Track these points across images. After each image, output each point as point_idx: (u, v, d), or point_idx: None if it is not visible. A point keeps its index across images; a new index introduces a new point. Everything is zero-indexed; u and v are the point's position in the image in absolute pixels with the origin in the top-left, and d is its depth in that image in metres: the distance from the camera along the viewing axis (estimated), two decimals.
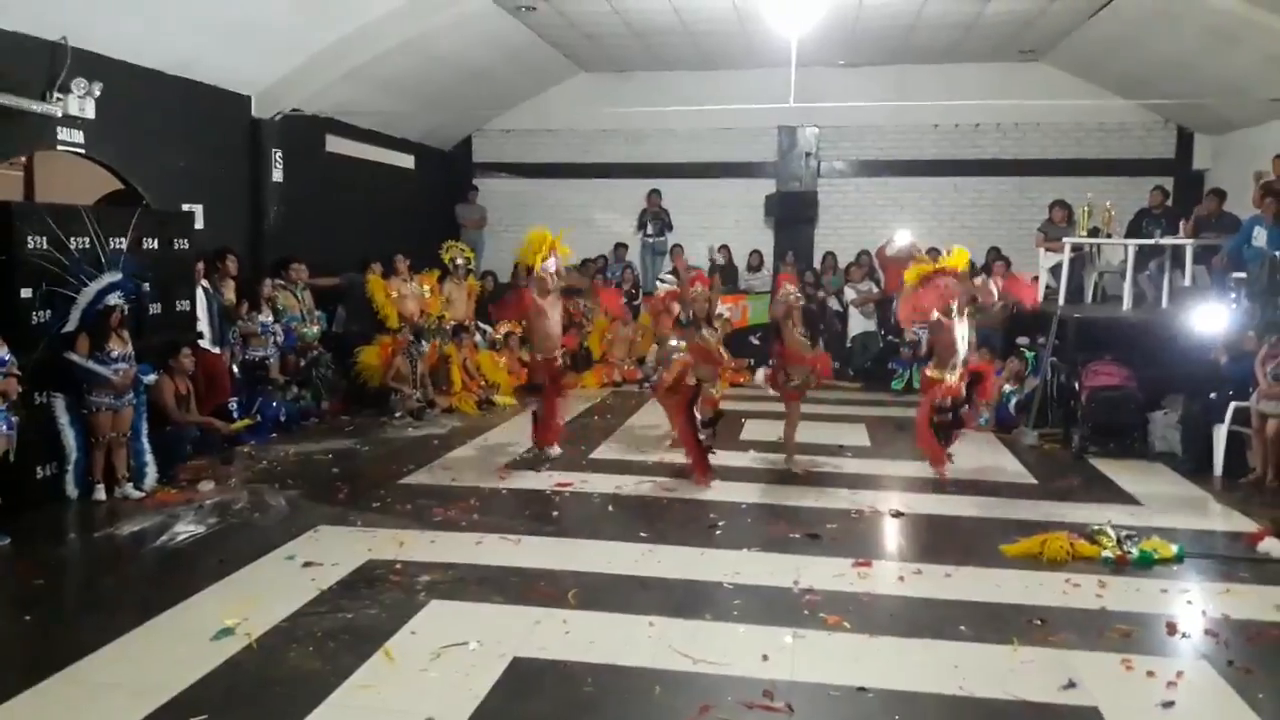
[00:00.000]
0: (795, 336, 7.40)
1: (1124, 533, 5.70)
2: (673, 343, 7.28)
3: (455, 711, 3.62)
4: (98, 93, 7.49)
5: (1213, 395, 7.85)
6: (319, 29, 9.27)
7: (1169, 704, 3.77)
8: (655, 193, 13.88)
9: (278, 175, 10.01)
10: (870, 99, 11.54)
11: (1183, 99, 10.97)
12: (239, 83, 9.49)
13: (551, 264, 7.62)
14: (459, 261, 11.17)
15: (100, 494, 6.49)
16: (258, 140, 9.87)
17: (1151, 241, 9.72)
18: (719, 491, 6.76)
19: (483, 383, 10.38)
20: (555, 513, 6.42)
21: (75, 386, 6.46)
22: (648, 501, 6.47)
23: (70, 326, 6.50)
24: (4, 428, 5.60)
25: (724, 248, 13.29)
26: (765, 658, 4.11)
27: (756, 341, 12.72)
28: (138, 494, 6.58)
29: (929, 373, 7.38)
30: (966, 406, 7.41)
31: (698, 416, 7.21)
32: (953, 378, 7.14)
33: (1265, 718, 3.69)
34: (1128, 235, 10.12)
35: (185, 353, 7.36)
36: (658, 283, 11.12)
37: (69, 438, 6.46)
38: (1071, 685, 3.89)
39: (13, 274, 6.27)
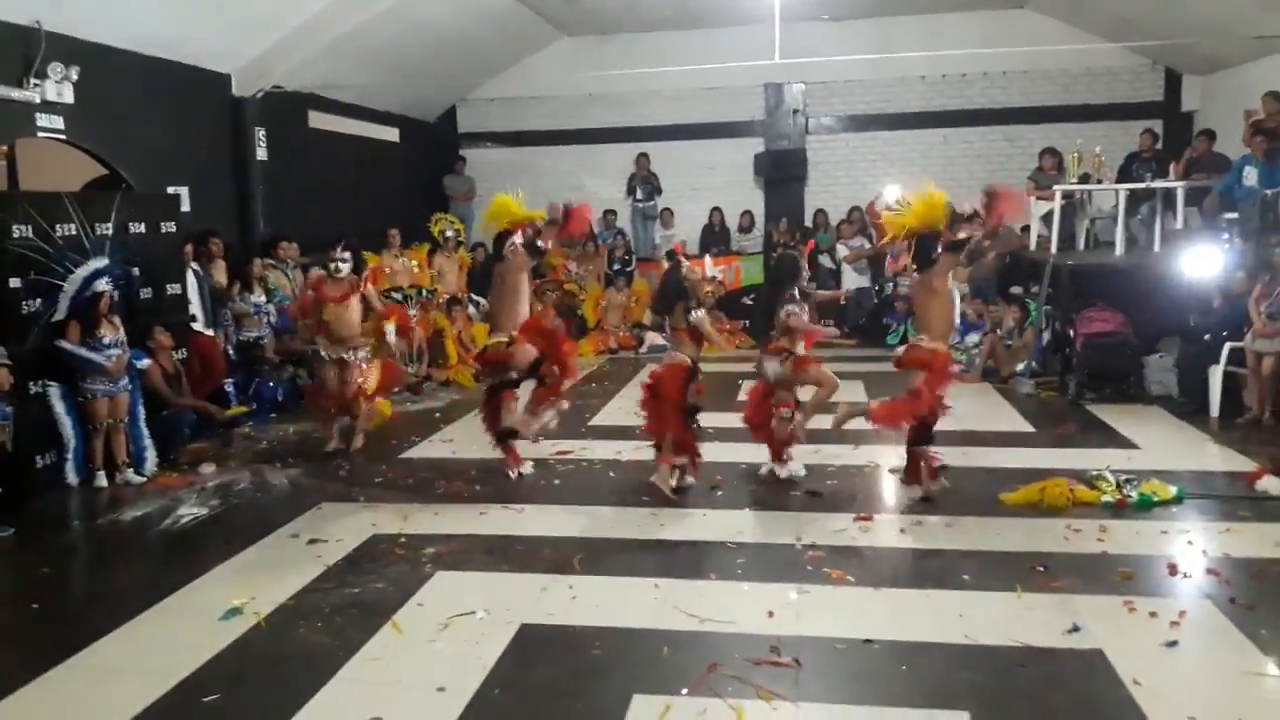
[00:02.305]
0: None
1: (1123, 477, 5.73)
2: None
3: (465, 680, 3.64)
4: (75, 77, 7.40)
5: (1207, 337, 7.87)
6: (295, 2, 9.14)
7: (1173, 643, 3.81)
8: (644, 156, 13.79)
9: (262, 154, 9.92)
10: (856, 52, 11.43)
11: (1169, 40, 10.89)
12: (218, 61, 9.37)
13: (518, 238, 6.77)
14: (449, 234, 11.11)
15: (101, 480, 6.49)
16: (240, 119, 9.77)
17: (1142, 185, 9.69)
18: (718, 453, 6.76)
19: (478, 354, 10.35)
20: (557, 481, 6.44)
21: (69, 374, 6.44)
22: (648, 466, 6.46)
23: (60, 315, 6.47)
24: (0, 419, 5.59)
25: (717, 209, 13.38)
26: (771, 614, 4.14)
27: (750, 302, 12.76)
28: (139, 479, 6.57)
29: (927, 344, 5.61)
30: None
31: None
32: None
33: (1269, 653, 3.73)
34: (1118, 180, 10.08)
35: (160, 329, 7.30)
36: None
37: (66, 425, 6.45)
38: (1075, 629, 3.92)
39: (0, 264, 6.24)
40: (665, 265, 7.64)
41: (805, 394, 6.25)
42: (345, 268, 7.13)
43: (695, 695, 3.50)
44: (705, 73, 11.58)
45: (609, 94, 13.70)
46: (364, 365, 7.20)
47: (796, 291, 6.16)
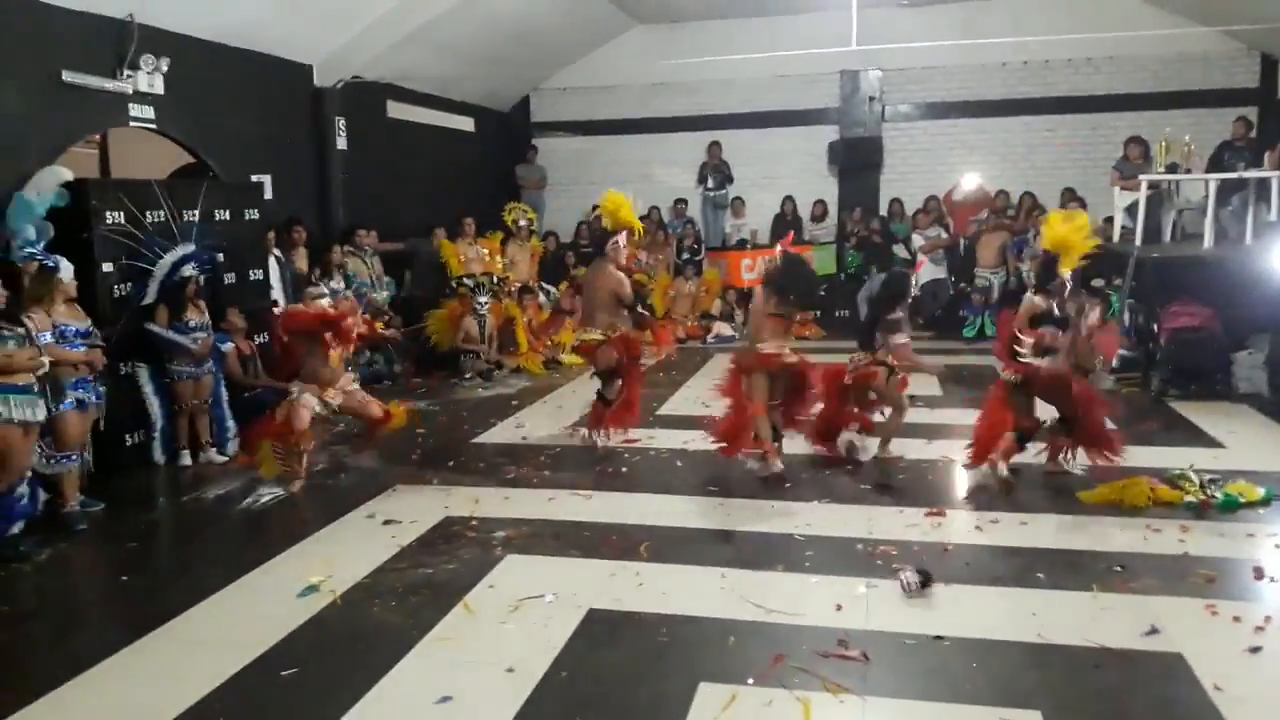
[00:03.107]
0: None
1: (1207, 476, 5.54)
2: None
3: (534, 661, 3.70)
4: (165, 68, 7.65)
5: None
6: None
7: (1256, 649, 3.68)
8: (715, 145, 13.72)
9: (342, 143, 10.13)
10: (935, 38, 11.19)
11: (1265, 24, 10.44)
12: (300, 52, 9.59)
13: (622, 239, 7.10)
14: (521, 223, 11.21)
15: (186, 459, 6.73)
16: (321, 109, 9.99)
17: (1234, 175, 9.33)
18: (786, 445, 6.70)
19: (548, 342, 10.44)
20: (625, 469, 6.47)
21: (157, 356, 6.68)
22: (715, 456, 6.46)
23: (149, 299, 6.71)
24: (93, 398, 5.80)
25: (789, 198, 13.26)
26: (839, 607, 4.11)
27: (822, 292, 12.59)
28: (222, 459, 6.80)
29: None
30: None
31: None
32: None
33: None
34: (1209, 169, 9.72)
35: (233, 311, 7.47)
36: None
37: (154, 406, 6.70)
38: (1154, 631, 3.82)
39: (93, 249, 6.48)
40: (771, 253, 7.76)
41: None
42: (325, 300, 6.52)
43: (761, 685, 3.49)
44: (779, 60, 11.45)
45: (681, 82, 13.64)
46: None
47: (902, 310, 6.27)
